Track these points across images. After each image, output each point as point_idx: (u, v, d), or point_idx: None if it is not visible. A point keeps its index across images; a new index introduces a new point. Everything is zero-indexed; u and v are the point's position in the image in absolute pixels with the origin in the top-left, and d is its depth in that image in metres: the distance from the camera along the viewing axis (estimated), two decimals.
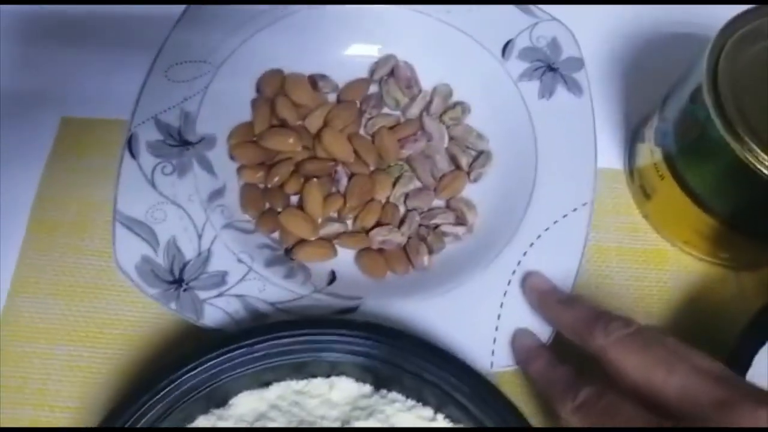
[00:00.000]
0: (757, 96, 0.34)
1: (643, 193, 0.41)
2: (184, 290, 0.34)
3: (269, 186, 0.38)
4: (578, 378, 0.30)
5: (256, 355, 0.31)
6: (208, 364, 0.30)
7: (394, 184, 0.39)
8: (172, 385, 0.30)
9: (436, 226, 0.38)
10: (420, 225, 0.38)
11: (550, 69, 0.40)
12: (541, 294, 0.34)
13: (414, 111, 0.41)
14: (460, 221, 0.38)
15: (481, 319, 0.34)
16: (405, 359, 0.31)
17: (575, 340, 0.32)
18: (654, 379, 0.27)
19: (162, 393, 0.30)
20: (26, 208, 0.39)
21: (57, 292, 0.37)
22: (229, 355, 0.30)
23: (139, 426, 0.29)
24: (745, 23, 0.35)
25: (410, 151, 0.40)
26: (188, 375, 0.30)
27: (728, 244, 0.39)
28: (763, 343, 0.34)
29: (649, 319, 0.38)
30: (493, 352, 0.34)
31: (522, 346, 0.34)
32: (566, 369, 0.31)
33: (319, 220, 0.38)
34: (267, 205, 0.38)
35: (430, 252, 0.37)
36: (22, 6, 0.44)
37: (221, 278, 0.34)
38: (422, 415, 0.32)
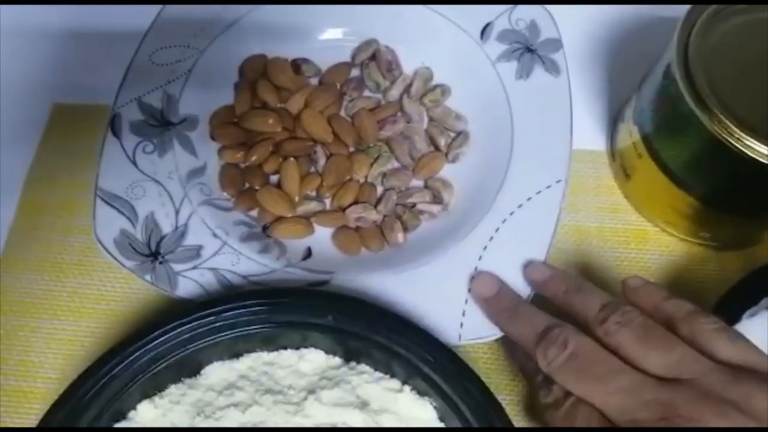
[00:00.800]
0: (727, 71, 0.33)
1: (624, 173, 0.40)
2: (160, 263, 0.35)
3: (248, 165, 0.39)
4: (548, 326, 0.30)
5: (224, 323, 0.31)
6: (177, 330, 0.31)
7: (372, 164, 0.39)
8: (141, 351, 0.31)
9: (413, 205, 0.39)
10: (397, 204, 0.39)
11: (528, 50, 0.40)
12: (485, 303, 0.34)
13: (394, 93, 0.41)
14: (437, 200, 0.39)
15: (450, 293, 0.35)
16: (373, 331, 0.31)
17: None
18: (595, 400, 0.28)
19: (130, 358, 0.31)
20: (17, 189, 0.40)
21: (43, 269, 0.38)
22: (197, 322, 0.31)
23: (105, 391, 0.30)
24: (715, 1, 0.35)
25: (389, 132, 0.40)
26: (157, 341, 0.31)
27: (708, 223, 0.38)
28: (737, 319, 0.33)
29: None
30: (461, 325, 0.34)
31: (480, 294, 0.34)
32: (531, 315, 0.32)
33: (297, 199, 0.38)
34: (246, 185, 0.39)
35: (405, 229, 0.38)
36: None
37: (196, 252, 0.35)
38: (389, 386, 0.32)
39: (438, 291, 0.35)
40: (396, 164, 0.40)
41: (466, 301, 0.34)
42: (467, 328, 0.34)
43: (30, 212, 0.40)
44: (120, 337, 0.36)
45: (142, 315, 0.37)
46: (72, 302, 0.38)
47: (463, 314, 0.34)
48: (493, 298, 0.34)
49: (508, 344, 0.36)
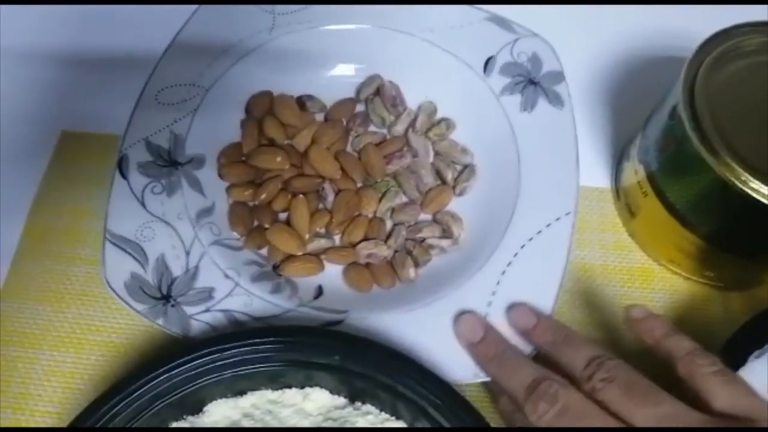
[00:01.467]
0: (733, 112, 0.34)
1: (629, 211, 0.41)
2: (172, 306, 0.34)
3: (257, 203, 0.39)
4: (535, 380, 0.30)
5: (229, 360, 0.31)
6: (181, 368, 0.31)
7: (380, 200, 0.39)
8: (143, 389, 0.30)
9: (423, 240, 0.39)
10: (406, 239, 0.39)
11: (531, 83, 0.41)
12: (471, 348, 0.34)
13: (399, 128, 0.42)
14: (446, 234, 0.39)
15: None
16: (379, 371, 0.31)
17: None
18: None
19: (133, 396, 0.30)
20: (23, 216, 0.40)
21: (45, 299, 0.38)
22: (201, 359, 0.31)
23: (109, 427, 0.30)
24: (722, 42, 0.36)
25: (396, 167, 0.40)
26: (160, 379, 0.30)
27: (712, 263, 0.38)
28: (744, 361, 0.33)
29: (633, 341, 0.37)
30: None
31: (464, 337, 0.34)
32: (518, 365, 0.32)
33: (307, 236, 0.38)
34: (255, 223, 0.39)
35: (416, 265, 0.38)
36: (26, 28, 0.46)
37: (208, 294, 0.35)
38: (395, 428, 0.32)
39: (452, 328, 0.35)
40: (404, 199, 0.40)
41: None
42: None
43: (34, 240, 0.40)
44: (121, 371, 0.36)
45: (145, 348, 0.37)
46: (73, 334, 0.37)
47: None
48: (480, 343, 0.34)
49: (492, 389, 0.35)
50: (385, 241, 0.38)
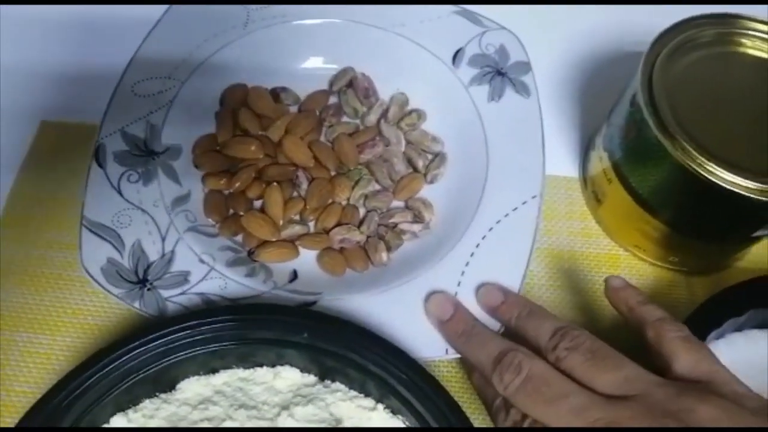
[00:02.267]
0: (689, 100, 0.35)
1: (595, 198, 0.42)
2: (148, 289, 0.35)
3: (232, 191, 0.40)
4: (502, 351, 0.31)
5: (199, 337, 0.32)
6: (152, 344, 0.31)
7: (353, 187, 0.40)
8: (115, 363, 0.31)
9: (395, 225, 0.40)
10: (379, 224, 0.40)
11: (499, 73, 0.42)
12: (441, 326, 0.35)
13: (372, 119, 0.43)
14: (418, 219, 0.40)
15: None
16: (348, 349, 0.32)
17: None
18: (549, 422, 0.29)
19: (105, 370, 0.31)
20: (1, 203, 0.41)
21: (22, 282, 0.39)
22: (172, 336, 0.32)
23: (78, 403, 0.30)
24: (679, 34, 0.37)
25: (369, 156, 0.41)
26: (131, 354, 0.31)
27: (676, 248, 0.40)
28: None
29: (600, 323, 0.39)
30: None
31: (434, 315, 0.35)
32: (487, 339, 0.33)
33: (281, 223, 0.39)
34: (230, 211, 0.39)
35: (389, 249, 0.39)
36: (4, 17, 0.47)
37: (184, 278, 0.36)
38: (363, 404, 0.33)
39: (422, 308, 0.35)
40: (377, 186, 0.41)
41: None
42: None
43: (13, 226, 0.40)
44: (93, 350, 0.37)
45: (121, 330, 0.38)
46: (49, 316, 0.38)
47: None
48: (449, 321, 0.35)
49: (466, 366, 0.36)
50: (358, 227, 0.39)
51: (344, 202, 0.40)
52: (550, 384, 0.29)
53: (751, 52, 0.37)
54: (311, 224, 0.40)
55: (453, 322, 0.34)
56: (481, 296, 0.36)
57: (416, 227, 0.39)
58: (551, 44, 0.47)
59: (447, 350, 0.34)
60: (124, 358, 0.31)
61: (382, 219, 0.40)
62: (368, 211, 0.40)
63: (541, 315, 0.33)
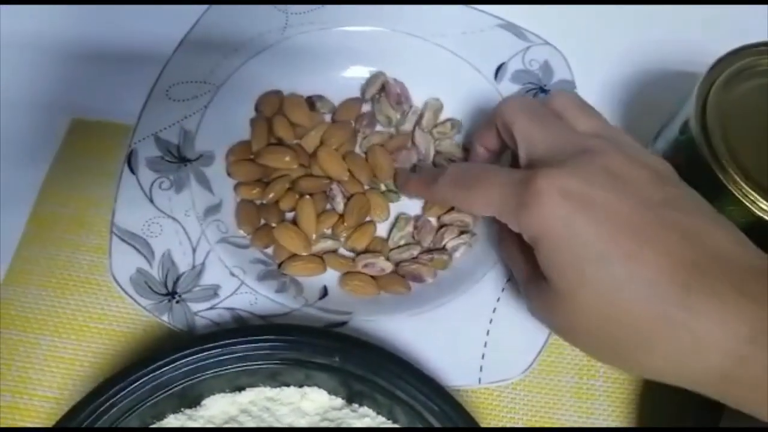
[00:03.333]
0: (745, 130, 0.34)
1: None
2: (177, 302, 0.34)
3: (265, 202, 0.39)
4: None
5: (229, 356, 0.31)
6: (181, 361, 0.31)
7: (390, 232, 0.39)
8: (142, 380, 0.31)
9: (444, 246, 0.39)
10: (423, 251, 0.39)
11: (542, 91, 0.41)
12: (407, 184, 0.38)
13: (407, 127, 0.42)
14: (463, 230, 0.39)
15: (470, 334, 0.35)
16: (378, 375, 0.31)
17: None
18: (533, 136, 0.32)
19: (132, 386, 0.30)
20: (30, 202, 0.40)
21: (48, 284, 0.38)
22: (202, 354, 0.31)
23: (105, 418, 0.30)
24: (737, 61, 0.36)
25: (403, 164, 0.41)
26: (160, 371, 0.31)
27: None
28: None
29: None
30: (481, 368, 0.34)
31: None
32: None
33: (314, 236, 0.38)
34: (262, 221, 0.39)
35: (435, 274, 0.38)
36: (42, 16, 0.46)
37: (213, 291, 0.35)
38: (391, 428, 0.32)
39: (458, 332, 0.35)
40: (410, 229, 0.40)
41: (486, 344, 0.34)
42: (487, 371, 0.34)
43: (40, 226, 0.40)
44: (122, 360, 0.37)
45: (147, 339, 0.37)
46: (75, 320, 0.37)
47: (483, 357, 0.34)
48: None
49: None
50: (387, 257, 0.38)
51: (381, 221, 0.39)
52: (542, 109, 0.33)
53: None
54: (343, 239, 0.39)
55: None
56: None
57: (464, 238, 0.38)
58: (594, 58, 0.46)
59: (480, 379, 0.34)
60: (152, 375, 0.31)
61: (435, 243, 0.39)
62: (407, 244, 0.39)
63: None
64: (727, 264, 0.27)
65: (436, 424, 0.31)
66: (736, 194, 0.32)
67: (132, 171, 0.37)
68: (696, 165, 0.34)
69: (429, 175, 0.37)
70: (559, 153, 0.30)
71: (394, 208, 0.40)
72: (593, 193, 0.28)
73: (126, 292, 0.34)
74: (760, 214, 0.32)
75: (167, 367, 0.31)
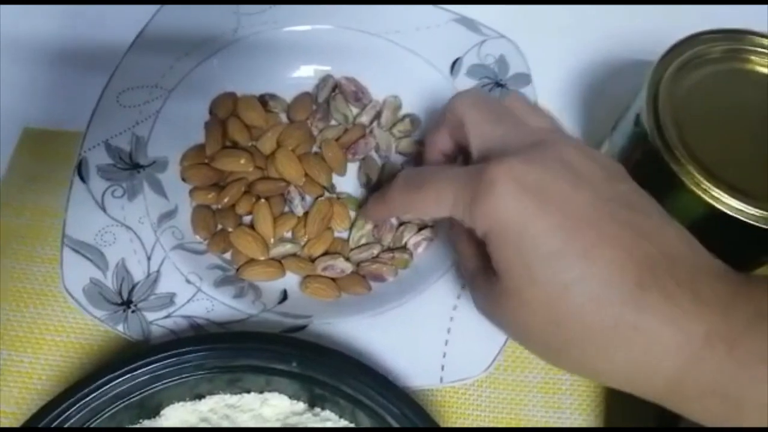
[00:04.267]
0: (697, 120, 0.34)
1: None
2: (132, 312, 0.34)
3: (220, 206, 0.38)
4: None
5: (187, 365, 0.31)
6: (139, 371, 0.30)
7: (350, 229, 0.39)
8: (99, 391, 0.30)
9: (404, 245, 0.38)
10: (383, 251, 0.38)
11: (498, 85, 0.41)
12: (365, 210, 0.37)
13: (364, 119, 0.41)
14: (422, 226, 0.39)
15: (430, 334, 0.34)
16: (337, 379, 0.31)
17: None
18: (485, 130, 0.31)
19: (89, 398, 0.30)
20: None
21: (3, 297, 0.37)
22: (160, 363, 0.31)
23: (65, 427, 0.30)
24: (686, 50, 0.36)
25: (362, 155, 0.40)
26: (116, 381, 0.30)
27: None
28: None
29: None
30: (443, 367, 0.34)
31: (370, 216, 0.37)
32: None
33: (272, 240, 0.38)
34: (219, 227, 0.38)
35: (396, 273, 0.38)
36: None
37: (169, 299, 0.34)
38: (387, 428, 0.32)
39: (418, 332, 0.34)
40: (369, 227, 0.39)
41: (447, 343, 0.34)
42: (449, 370, 0.34)
43: None
44: (80, 372, 0.36)
45: (105, 349, 0.36)
46: (31, 333, 0.37)
47: (444, 356, 0.34)
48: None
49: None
50: (347, 257, 0.38)
51: (339, 232, 0.39)
52: (496, 103, 0.32)
53: (760, 69, 0.36)
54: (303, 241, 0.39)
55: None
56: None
57: (426, 232, 0.38)
58: (552, 53, 0.45)
59: (441, 378, 0.33)
60: (109, 386, 0.30)
61: (395, 242, 0.39)
62: (367, 243, 0.39)
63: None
64: (680, 264, 0.26)
65: (397, 426, 0.30)
66: (689, 185, 0.32)
67: (83, 180, 0.36)
68: (650, 157, 0.34)
69: (381, 192, 0.35)
70: (513, 145, 0.29)
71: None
72: (549, 183, 0.27)
73: (79, 304, 0.34)
74: (715, 204, 0.32)
75: (124, 377, 0.30)
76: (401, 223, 0.39)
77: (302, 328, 0.35)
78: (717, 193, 0.32)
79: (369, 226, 0.39)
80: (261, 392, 0.33)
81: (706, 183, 0.32)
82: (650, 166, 0.34)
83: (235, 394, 0.33)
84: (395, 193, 0.33)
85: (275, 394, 0.33)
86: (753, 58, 0.36)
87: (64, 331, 0.37)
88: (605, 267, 0.26)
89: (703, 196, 0.32)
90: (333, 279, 0.37)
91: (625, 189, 0.29)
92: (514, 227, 0.27)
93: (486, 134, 0.31)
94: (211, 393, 0.33)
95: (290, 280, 0.37)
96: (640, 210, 0.28)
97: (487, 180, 0.27)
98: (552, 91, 0.45)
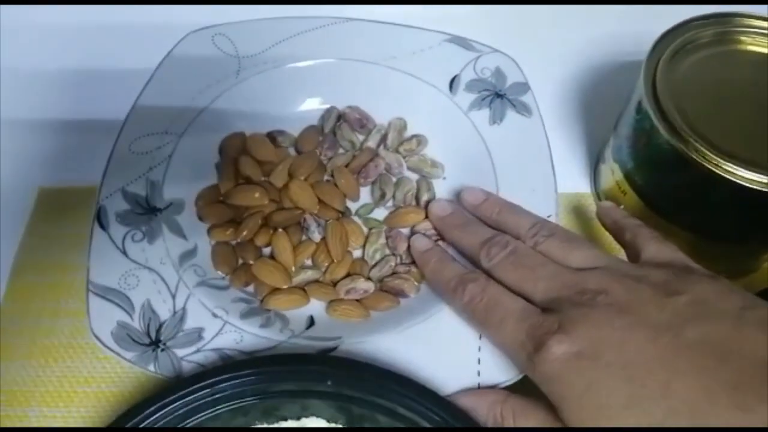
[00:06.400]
0: (696, 101, 0.35)
1: None
2: (162, 350, 0.34)
3: (239, 241, 0.38)
4: (466, 274, 0.34)
5: (220, 395, 0.30)
6: (172, 405, 0.30)
7: (365, 243, 0.39)
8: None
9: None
10: (400, 264, 0.39)
11: (498, 96, 0.41)
12: (440, 221, 0.38)
13: (371, 144, 0.42)
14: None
15: (464, 341, 0.34)
16: (374, 393, 0.30)
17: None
18: (526, 289, 0.32)
19: None
20: (4, 276, 0.40)
21: (31, 355, 0.37)
22: (188, 397, 0.30)
23: None
24: (677, 37, 0.37)
25: (373, 177, 0.41)
26: (151, 419, 0.30)
27: (700, 253, 0.37)
28: None
29: None
30: (479, 373, 0.33)
31: (416, 249, 0.38)
32: (455, 266, 0.35)
33: (293, 269, 0.38)
34: (240, 261, 0.38)
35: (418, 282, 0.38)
36: None
37: (197, 335, 0.34)
38: (406, 428, 0.31)
39: (450, 341, 0.34)
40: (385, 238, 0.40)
41: (480, 348, 0.34)
42: (485, 375, 0.33)
43: (18, 299, 0.39)
44: (111, 419, 0.35)
45: (137, 395, 0.36)
46: (61, 387, 0.37)
47: (479, 362, 0.33)
48: (448, 215, 0.38)
49: (416, 256, 0.38)
50: (368, 275, 0.38)
51: (357, 252, 0.39)
52: (529, 256, 0.33)
53: (751, 48, 0.37)
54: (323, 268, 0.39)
55: (452, 216, 0.38)
56: (464, 196, 0.38)
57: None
58: (546, 63, 0.47)
59: (479, 384, 0.33)
60: (142, 425, 0.30)
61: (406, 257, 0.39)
62: (384, 257, 0.39)
63: (521, 210, 0.36)
64: None
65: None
66: (699, 160, 0.33)
67: (102, 227, 0.37)
68: (657, 142, 0.35)
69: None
70: (558, 299, 0.31)
71: None
72: (605, 347, 0.28)
73: (109, 348, 0.33)
74: (726, 176, 0.32)
75: (157, 415, 0.30)
76: (413, 233, 0.39)
77: (333, 349, 0.34)
78: (727, 165, 0.32)
79: (382, 240, 0.39)
80: (298, 418, 0.32)
81: (716, 158, 0.33)
82: (657, 150, 0.35)
83: (273, 422, 0.32)
84: (460, 304, 0.34)
85: (312, 419, 0.32)
86: (743, 38, 0.37)
87: (94, 381, 0.37)
88: (689, 396, 0.26)
89: (715, 169, 0.33)
90: (358, 300, 0.37)
91: (682, 302, 0.29)
92: (582, 393, 0.28)
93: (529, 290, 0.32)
94: (249, 424, 0.32)
95: (315, 305, 0.37)
96: (705, 317, 0.28)
97: (547, 359, 0.29)
98: (552, 97, 0.46)
